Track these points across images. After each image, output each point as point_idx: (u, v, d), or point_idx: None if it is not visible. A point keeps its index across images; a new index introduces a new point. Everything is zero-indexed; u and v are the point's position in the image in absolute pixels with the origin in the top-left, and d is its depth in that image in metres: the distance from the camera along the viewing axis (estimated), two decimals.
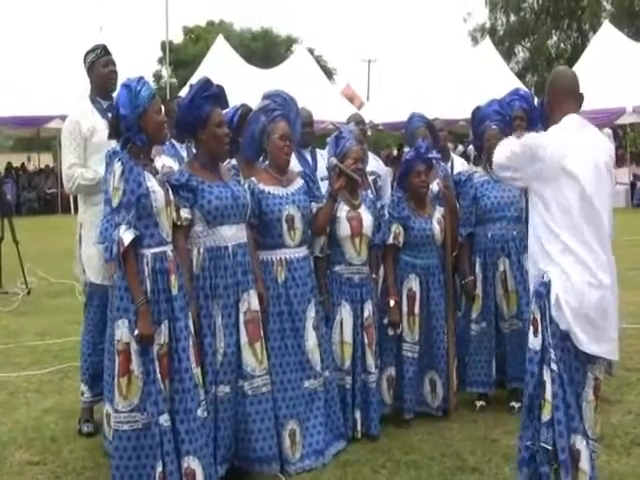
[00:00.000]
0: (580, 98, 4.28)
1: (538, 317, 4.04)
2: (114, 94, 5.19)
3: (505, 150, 4.37)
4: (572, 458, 3.98)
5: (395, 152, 30.03)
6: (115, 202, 4.42)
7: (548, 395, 3.99)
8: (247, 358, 4.89)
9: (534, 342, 4.07)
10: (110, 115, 4.75)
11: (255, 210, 5.20)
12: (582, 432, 4.01)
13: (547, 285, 4.00)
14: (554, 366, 3.98)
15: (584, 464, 4.00)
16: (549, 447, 3.98)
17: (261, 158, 5.62)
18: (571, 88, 4.27)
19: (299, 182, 5.50)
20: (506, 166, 4.31)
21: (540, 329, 4.03)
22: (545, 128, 4.44)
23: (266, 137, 5.36)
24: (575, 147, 4.04)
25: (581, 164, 4.01)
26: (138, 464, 4.45)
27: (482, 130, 6.28)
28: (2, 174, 23.61)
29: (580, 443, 3.99)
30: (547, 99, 4.32)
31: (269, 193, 5.28)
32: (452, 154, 6.96)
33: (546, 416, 4.00)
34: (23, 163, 30.89)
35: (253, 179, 5.31)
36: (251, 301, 4.94)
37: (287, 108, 5.47)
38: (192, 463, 4.46)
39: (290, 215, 5.28)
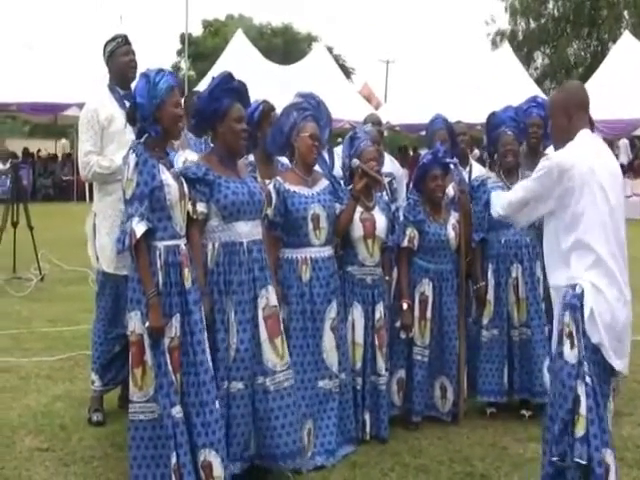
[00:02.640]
0: (589, 113, 4.32)
1: (574, 330, 4.02)
2: (133, 84, 5.22)
3: (516, 189, 4.43)
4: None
5: (411, 153, 30.00)
6: (128, 193, 4.43)
7: (583, 409, 3.96)
8: (268, 354, 4.86)
9: (570, 355, 4.04)
10: (127, 103, 4.77)
11: (281, 209, 5.23)
12: (612, 445, 4.02)
13: (580, 297, 4.00)
14: (588, 380, 3.97)
15: (612, 477, 4.00)
16: (584, 462, 3.94)
17: (277, 157, 5.65)
18: (585, 102, 4.29)
19: (324, 182, 5.52)
20: (525, 201, 4.32)
21: (576, 342, 4.01)
22: (553, 142, 4.48)
23: (295, 134, 5.37)
24: (597, 162, 4.08)
25: (604, 179, 4.06)
26: (155, 454, 4.46)
27: (497, 136, 6.29)
28: (19, 159, 23.74)
29: (609, 457, 3.99)
30: (557, 112, 4.29)
31: (295, 192, 5.31)
32: (470, 159, 6.96)
33: (580, 431, 3.96)
34: (39, 149, 30.95)
35: (279, 178, 5.33)
36: (269, 297, 4.92)
37: (319, 112, 5.50)
38: (209, 455, 4.47)
39: (316, 214, 5.31)
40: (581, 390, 3.99)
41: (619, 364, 4.04)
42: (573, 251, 4.07)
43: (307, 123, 5.38)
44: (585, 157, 4.08)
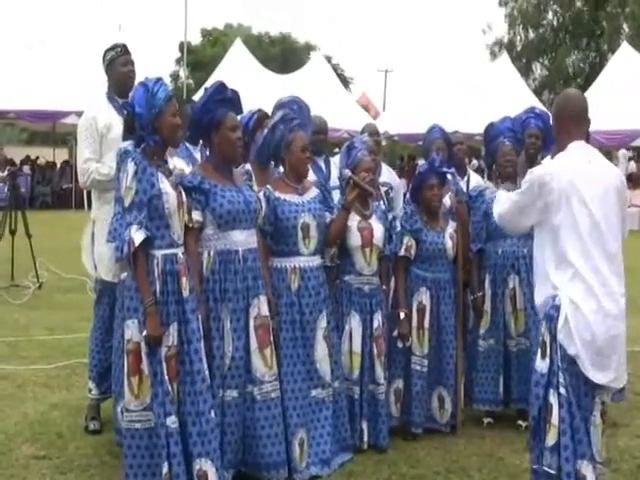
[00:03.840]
0: (588, 122, 4.32)
1: (547, 340, 4.04)
2: (131, 93, 5.25)
3: (505, 200, 4.45)
4: None
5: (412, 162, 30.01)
6: (127, 202, 4.44)
7: (554, 419, 3.97)
8: (256, 363, 4.90)
9: (541, 365, 4.07)
10: (125, 112, 4.80)
11: (270, 217, 5.21)
12: (589, 457, 4.00)
13: (557, 308, 4.01)
14: (562, 390, 3.97)
15: None
16: (552, 472, 3.97)
17: (273, 164, 5.65)
18: (581, 114, 4.28)
19: (315, 191, 5.52)
20: (513, 212, 4.36)
21: (549, 352, 4.02)
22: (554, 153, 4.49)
23: (285, 147, 5.35)
24: (583, 174, 4.08)
25: (590, 190, 4.04)
26: (151, 462, 4.46)
27: (495, 146, 6.31)
28: (17, 166, 23.74)
29: (586, 468, 3.98)
30: (554, 123, 4.33)
31: (285, 200, 5.29)
32: (469, 169, 6.98)
33: (551, 440, 3.98)
34: (37, 157, 30.94)
35: (269, 186, 5.32)
36: (261, 306, 4.95)
37: (303, 116, 5.49)
38: (204, 465, 4.48)
39: (306, 223, 5.29)
40: (554, 400, 4.00)
41: (600, 377, 3.99)
42: (553, 264, 4.08)
43: (296, 135, 5.35)
44: (566, 170, 4.08)
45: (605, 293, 4.00)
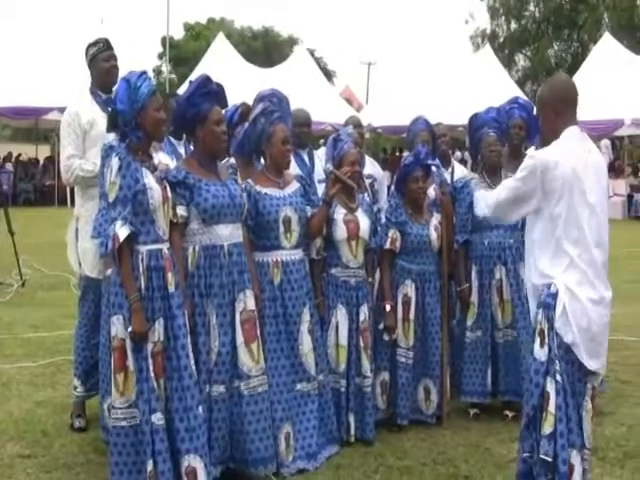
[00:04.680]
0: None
1: (545, 328, 4.03)
2: (114, 88, 5.21)
3: (500, 189, 4.37)
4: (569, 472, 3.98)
5: (395, 154, 30.04)
6: (111, 197, 4.40)
7: (552, 407, 3.98)
8: (243, 358, 4.87)
9: (540, 353, 4.06)
10: (109, 108, 4.76)
11: (251, 211, 5.19)
12: (579, 446, 4.01)
13: (555, 296, 4.00)
14: (559, 378, 3.98)
15: (576, 478, 4.00)
16: (549, 459, 3.96)
17: (254, 157, 5.62)
18: (573, 98, 4.22)
19: (296, 184, 5.50)
20: (510, 200, 4.25)
21: (547, 340, 4.02)
22: (542, 139, 4.45)
23: (266, 140, 5.33)
24: (580, 161, 4.05)
25: (588, 178, 4.03)
26: (137, 460, 4.43)
27: (479, 137, 6.29)
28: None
29: (575, 458, 4.00)
30: (544, 108, 4.23)
31: (266, 194, 5.27)
32: (453, 160, 6.98)
33: (548, 428, 3.98)
34: (20, 154, 30.77)
35: (250, 181, 5.29)
36: (247, 301, 4.92)
37: (283, 108, 5.46)
38: (193, 461, 4.45)
39: (287, 217, 5.27)
40: (551, 387, 4.00)
41: (593, 364, 4.02)
42: (550, 251, 4.06)
43: (276, 127, 5.32)
44: (569, 157, 4.04)
45: (600, 281, 4.02)
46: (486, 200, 4.57)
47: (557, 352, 4.00)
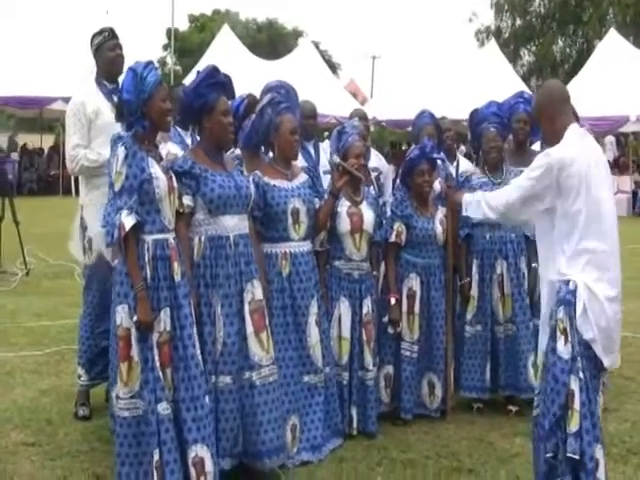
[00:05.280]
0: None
1: (567, 325, 4.03)
2: (120, 78, 5.20)
3: (510, 189, 4.38)
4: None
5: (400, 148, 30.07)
6: (117, 186, 4.40)
7: (577, 405, 3.98)
8: (254, 348, 4.85)
9: (564, 351, 4.04)
10: (116, 98, 4.75)
11: (260, 203, 5.19)
12: (602, 440, 4.04)
13: (574, 293, 4.01)
14: (582, 375, 3.99)
15: (601, 474, 4.02)
16: (577, 457, 3.95)
17: (262, 149, 5.63)
18: (567, 98, 4.30)
19: (304, 176, 5.50)
20: (525, 199, 4.24)
21: (570, 338, 4.02)
22: (545, 141, 4.48)
23: (274, 131, 5.33)
24: (592, 158, 4.09)
25: (599, 176, 4.07)
26: (139, 451, 4.41)
27: (480, 132, 6.29)
28: (5, 151, 23.58)
29: (599, 452, 4.01)
30: (544, 111, 4.29)
31: (274, 186, 5.27)
32: (458, 154, 6.98)
33: (574, 426, 3.98)
34: (25, 144, 30.73)
35: (258, 172, 5.29)
36: (255, 291, 4.91)
37: (290, 100, 5.47)
38: (200, 451, 4.44)
39: (295, 208, 5.28)
40: (575, 385, 4.00)
41: (607, 361, 4.06)
42: (568, 248, 4.06)
43: (284, 117, 5.33)
44: (583, 153, 4.07)
45: (615, 278, 4.06)
46: (489, 203, 4.50)
47: (578, 349, 4.01)
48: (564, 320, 4.05)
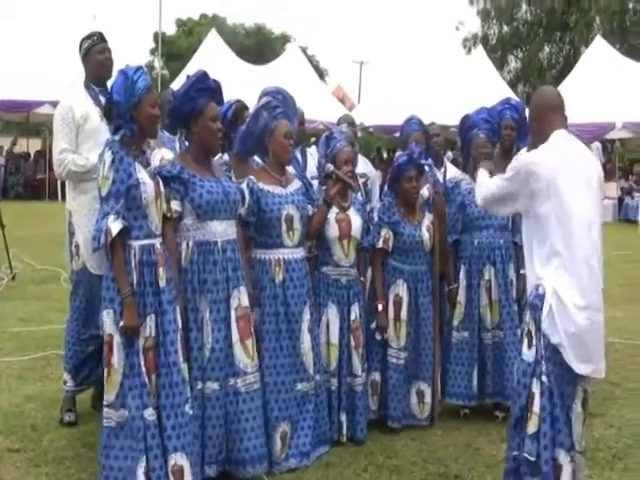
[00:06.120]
0: (566, 117, 4.34)
1: (533, 329, 4.05)
2: (108, 82, 5.18)
3: (490, 184, 4.45)
4: (554, 472, 4.00)
5: (385, 155, 30.10)
6: (104, 191, 4.39)
7: (536, 408, 4.00)
8: (239, 355, 4.86)
9: (528, 354, 4.08)
10: (104, 99, 4.74)
11: (254, 208, 5.19)
12: (567, 447, 4.03)
13: (542, 298, 4.01)
14: (544, 379, 4.00)
15: (566, 478, 4.02)
16: (532, 458, 4.00)
17: (254, 156, 5.62)
18: (558, 105, 4.31)
19: (297, 183, 5.50)
20: (498, 197, 4.36)
21: (534, 342, 4.04)
22: (533, 144, 4.50)
23: (268, 135, 5.33)
24: (567, 163, 4.08)
25: (574, 180, 4.05)
26: (127, 456, 4.39)
27: (470, 138, 6.29)
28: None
29: (564, 458, 4.02)
30: (533, 116, 4.35)
31: (269, 192, 5.27)
32: (445, 161, 6.98)
33: (532, 428, 4.01)
34: (14, 145, 30.61)
35: (252, 177, 5.28)
36: (241, 297, 4.91)
37: (287, 106, 5.46)
38: (179, 459, 4.42)
39: (289, 215, 5.28)
40: (536, 388, 4.02)
41: (583, 368, 3.99)
42: (541, 252, 4.09)
43: (279, 122, 5.34)
44: (553, 159, 4.08)
45: (589, 285, 4.00)
46: (480, 188, 4.61)
47: (544, 353, 4.01)
48: (529, 323, 4.09)
